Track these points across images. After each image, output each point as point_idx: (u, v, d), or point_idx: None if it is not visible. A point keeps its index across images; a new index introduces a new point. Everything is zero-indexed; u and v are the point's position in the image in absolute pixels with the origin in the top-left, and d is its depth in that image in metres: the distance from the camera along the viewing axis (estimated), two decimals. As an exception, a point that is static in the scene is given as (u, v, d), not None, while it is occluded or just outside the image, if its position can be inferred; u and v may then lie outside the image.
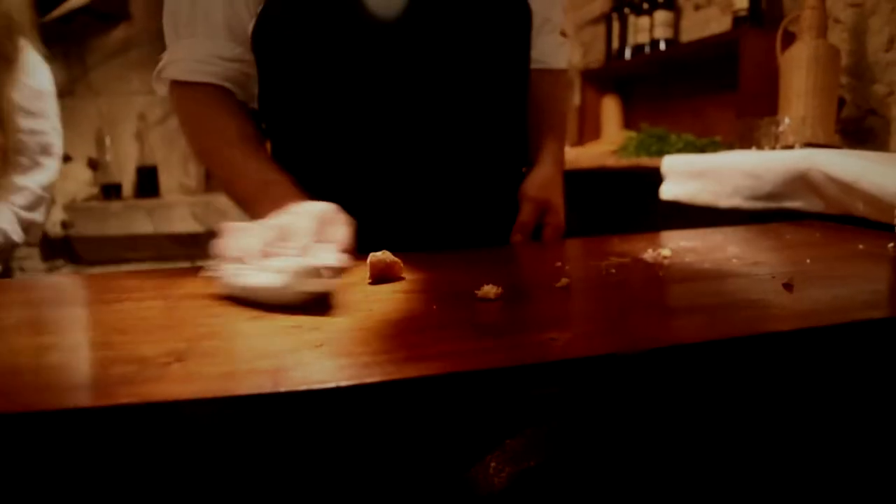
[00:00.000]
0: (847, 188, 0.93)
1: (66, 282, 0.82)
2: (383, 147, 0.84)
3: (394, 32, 0.82)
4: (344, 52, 0.82)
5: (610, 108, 2.68)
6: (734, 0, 2.00)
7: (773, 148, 1.35)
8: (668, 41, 2.36)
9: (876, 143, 1.71)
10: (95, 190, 3.09)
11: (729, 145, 1.74)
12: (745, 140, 1.62)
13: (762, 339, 0.42)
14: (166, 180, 3.14)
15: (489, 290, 0.52)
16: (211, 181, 3.17)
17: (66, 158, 2.99)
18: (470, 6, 0.85)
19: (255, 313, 0.51)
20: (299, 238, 0.56)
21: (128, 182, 3.09)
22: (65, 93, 3.18)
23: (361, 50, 0.82)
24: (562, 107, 1.08)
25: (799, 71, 1.60)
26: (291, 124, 0.89)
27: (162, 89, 0.92)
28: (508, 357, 0.39)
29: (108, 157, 3.04)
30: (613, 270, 0.63)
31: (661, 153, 1.73)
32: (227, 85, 0.88)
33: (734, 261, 0.67)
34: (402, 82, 0.83)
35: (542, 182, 0.94)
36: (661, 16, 2.39)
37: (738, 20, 1.96)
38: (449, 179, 0.86)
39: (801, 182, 1.03)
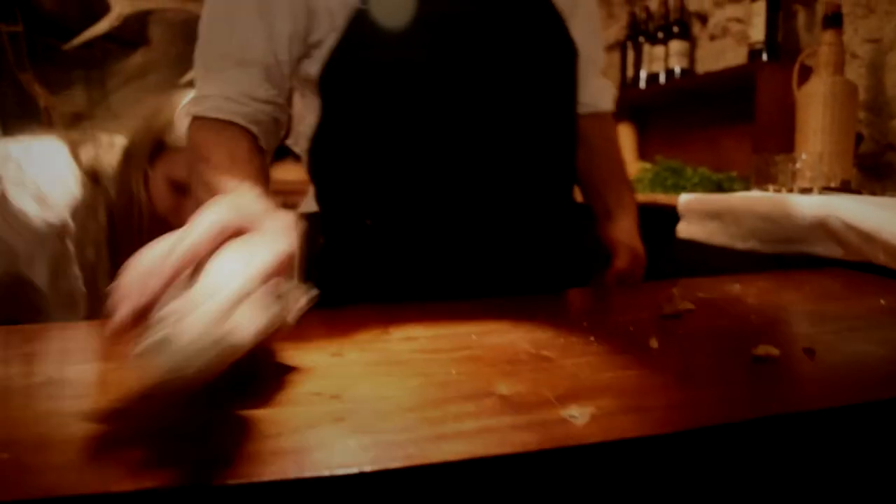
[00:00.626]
0: (867, 237, 0.93)
1: (86, 329, 0.82)
2: (440, 185, 0.83)
3: (455, 77, 0.82)
4: (411, 93, 0.82)
5: (624, 137, 2.68)
6: (750, 32, 2.00)
7: (791, 189, 1.34)
8: (683, 71, 2.37)
9: (894, 178, 1.70)
10: (112, 212, 3.12)
11: (745, 180, 1.73)
12: (762, 176, 1.62)
13: (780, 420, 0.42)
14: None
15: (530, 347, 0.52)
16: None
17: (85, 181, 3.03)
18: (524, 45, 0.85)
19: (271, 377, 0.51)
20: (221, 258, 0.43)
21: (144, 204, 3.12)
22: (85, 115, 3.23)
23: (427, 89, 0.82)
24: (619, 150, 1.09)
25: (816, 107, 1.59)
26: (348, 164, 0.86)
27: (182, 125, 0.90)
28: (534, 438, 0.39)
29: (126, 180, 3.07)
30: (632, 328, 0.63)
31: (676, 188, 1.73)
32: (252, 128, 0.83)
33: (753, 317, 0.66)
34: (463, 123, 0.83)
35: (631, 230, 0.97)
36: (676, 45, 2.40)
37: (753, 53, 1.97)
38: (501, 218, 0.86)
39: (820, 228, 1.02)
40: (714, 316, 0.67)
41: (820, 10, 1.85)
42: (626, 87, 2.62)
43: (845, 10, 1.76)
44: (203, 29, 0.84)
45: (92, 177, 1.17)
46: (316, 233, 0.95)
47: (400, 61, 0.81)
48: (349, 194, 0.87)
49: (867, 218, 0.94)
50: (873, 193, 1.74)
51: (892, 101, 1.68)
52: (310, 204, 0.99)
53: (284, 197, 2.99)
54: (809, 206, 1.06)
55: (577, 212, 0.99)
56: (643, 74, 2.51)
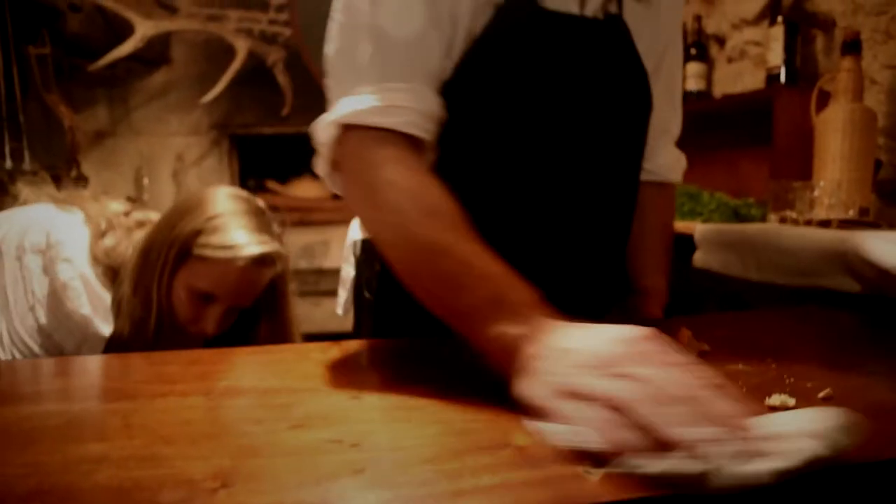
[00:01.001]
0: (885, 274, 0.92)
1: (108, 364, 0.84)
2: (502, 225, 0.78)
3: (549, 118, 0.82)
4: (500, 127, 0.81)
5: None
6: (768, 56, 2.00)
7: (808, 218, 1.34)
8: (700, 93, 2.37)
9: (914, 205, 1.69)
10: (132, 228, 3.17)
11: (763, 205, 1.73)
12: (779, 202, 1.61)
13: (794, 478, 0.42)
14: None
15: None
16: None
17: (106, 197, 3.08)
18: (614, 97, 0.86)
19: (293, 421, 0.52)
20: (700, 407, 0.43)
21: (163, 220, 3.17)
22: (107, 133, 3.29)
23: (517, 127, 0.81)
24: (669, 236, 1.08)
25: (835, 134, 1.59)
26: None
27: (325, 133, 0.73)
28: (549, 496, 0.39)
29: (146, 196, 3.12)
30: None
31: (693, 213, 1.72)
32: (430, 155, 0.76)
33: (769, 360, 0.66)
34: (544, 163, 0.83)
35: (662, 288, 0.99)
36: (694, 67, 2.40)
37: (771, 77, 1.96)
38: (559, 261, 0.86)
39: (838, 263, 1.02)
40: (729, 358, 0.67)
41: (839, 35, 1.85)
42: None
43: (864, 35, 1.76)
44: (375, 34, 0.72)
45: (110, 274, 1.13)
46: (372, 259, 0.95)
47: (508, 96, 0.80)
48: None
49: (884, 253, 0.94)
50: (893, 219, 1.73)
51: (911, 127, 1.67)
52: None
53: (302, 214, 3.03)
54: (827, 239, 1.06)
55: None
56: (660, 96, 2.51)
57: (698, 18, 2.44)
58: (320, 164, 0.78)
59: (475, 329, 0.58)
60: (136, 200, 3.13)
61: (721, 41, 2.43)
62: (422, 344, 0.77)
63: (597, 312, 0.92)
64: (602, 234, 0.91)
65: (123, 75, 3.23)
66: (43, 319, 1.09)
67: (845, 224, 1.15)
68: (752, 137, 2.15)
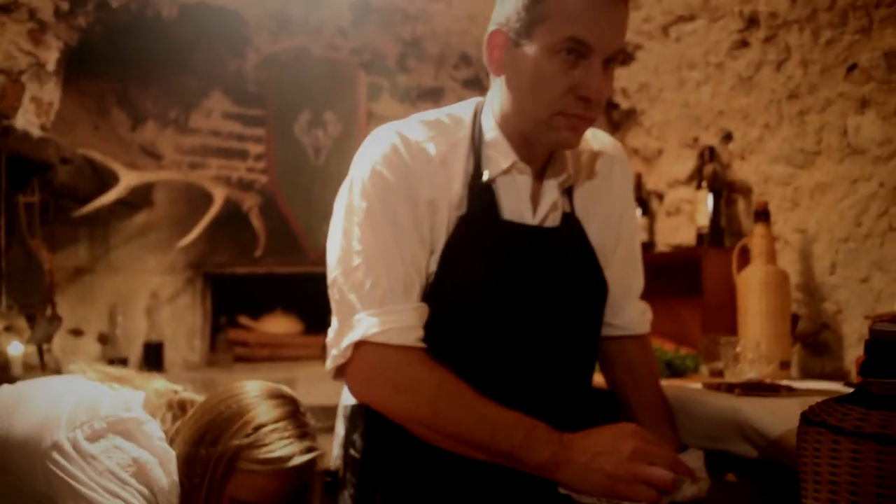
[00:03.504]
0: (773, 443, 1.04)
1: None
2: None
3: (508, 306, 1.01)
4: (465, 333, 1.01)
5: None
6: (696, 217, 2.22)
7: (733, 370, 1.47)
8: (643, 245, 2.57)
9: (832, 356, 1.84)
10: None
11: (696, 357, 1.87)
12: (710, 355, 1.76)
13: None
14: (171, 355, 3.27)
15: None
16: (214, 356, 3.30)
17: (78, 333, 3.14)
18: (570, 285, 1.05)
19: None
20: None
21: (134, 356, 3.22)
22: (86, 270, 3.41)
23: (481, 335, 1.01)
24: (657, 375, 1.23)
25: (753, 293, 1.76)
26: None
27: (341, 358, 1.00)
28: None
29: (118, 332, 3.19)
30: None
31: (629, 366, 1.86)
32: (421, 345, 0.99)
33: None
34: (507, 344, 1.02)
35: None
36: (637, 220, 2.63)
37: (700, 237, 2.17)
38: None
39: (735, 429, 1.14)
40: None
41: (755, 201, 2.07)
42: (594, 254, 2.82)
43: (775, 202, 1.99)
44: (357, 273, 0.97)
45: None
46: (358, 422, 1.10)
47: (464, 307, 1.01)
48: None
49: (772, 424, 1.06)
50: (814, 369, 1.88)
51: (821, 285, 1.86)
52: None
53: (272, 349, 3.14)
54: (727, 407, 1.19)
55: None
56: (608, 244, 2.72)
57: (639, 176, 2.69)
58: (329, 364, 1.04)
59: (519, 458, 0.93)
60: (108, 337, 3.20)
61: (660, 196, 2.67)
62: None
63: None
64: (569, 388, 1.07)
65: (106, 216, 3.39)
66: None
67: (747, 389, 1.29)
68: (689, 289, 2.34)
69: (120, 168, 2.85)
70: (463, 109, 1.06)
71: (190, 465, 1.09)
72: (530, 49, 0.92)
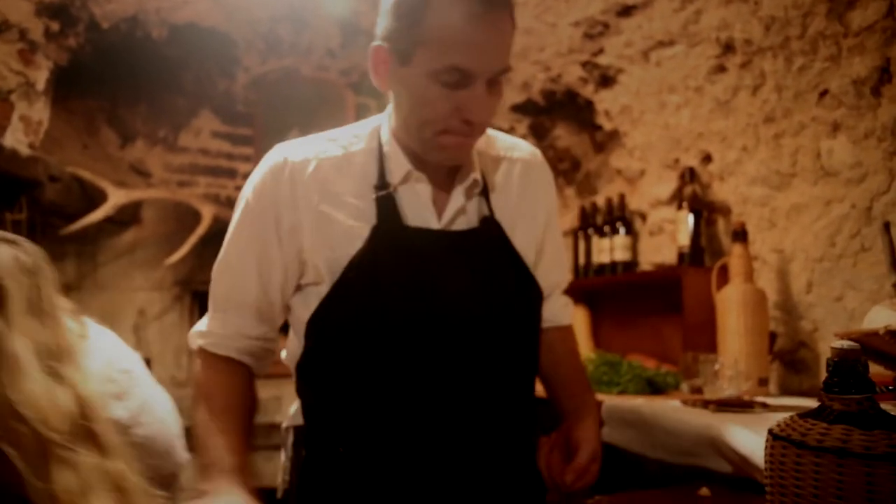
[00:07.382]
0: (745, 459, 1.08)
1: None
2: (410, 425, 0.99)
3: (428, 328, 1.00)
4: (386, 342, 0.99)
5: (578, 321, 2.88)
6: (677, 237, 2.26)
7: (713, 386, 1.51)
8: (626, 263, 2.62)
9: (809, 373, 1.88)
10: (88, 382, 3.20)
11: (677, 374, 1.90)
12: (690, 372, 1.79)
13: None
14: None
15: None
16: (201, 374, 3.28)
17: (65, 351, 3.13)
18: (497, 292, 1.04)
19: None
20: None
21: (121, 374, 3.21)
22: (73, 287, 3.40)
23: (401, 340, 0.99)
24: (579, 358, 1.25)
25: (731, 312, 1.80)
26: (327, 396, 1.04)
27: (193, 343, 1.08)
28: None
29: (105, 351, 3.19)
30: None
31: (610, 384, 1.89)
32: (245, 359, 1.04)
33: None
34: (434, 367, 1.00)
35: (593, 430, 1.09)
36: (620, 240, 2.67)
37: (681, 256, 2.22)
38: (467, 454, 1.00)
39: (711, 446, 1.17)
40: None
41: (734, 221, 2.12)
42: (578, 274, 2.86)
43: (753, 223, 2.04)
44: (213, 274, 1.06)
45: None
46: (300, 445, 1.10)
47: (380, 316, 0.99)
48: (327, 421, 1.04)
49: (744, 442, 1.09)
50: (792, 387, 1.92)
51: (798, 304, 1.90)
52: (298, 417, 1.15)
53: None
54: (703, 423, 1.22)
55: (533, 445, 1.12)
56: (592, 264, 2.76)
57: (622, 196, 2.74)
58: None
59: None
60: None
61: (643, 216, 2.72)
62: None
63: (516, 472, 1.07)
64: (509, 407, 1.05)
65: (94, 233, 3.39)
66: None
67: (722, 406, 1.32)
68: (671, 307, 2.38)
69: (108, 186, 2.87)
70: (371, 123, 1.11)
71: None
72: (413, 70, 0.95)
